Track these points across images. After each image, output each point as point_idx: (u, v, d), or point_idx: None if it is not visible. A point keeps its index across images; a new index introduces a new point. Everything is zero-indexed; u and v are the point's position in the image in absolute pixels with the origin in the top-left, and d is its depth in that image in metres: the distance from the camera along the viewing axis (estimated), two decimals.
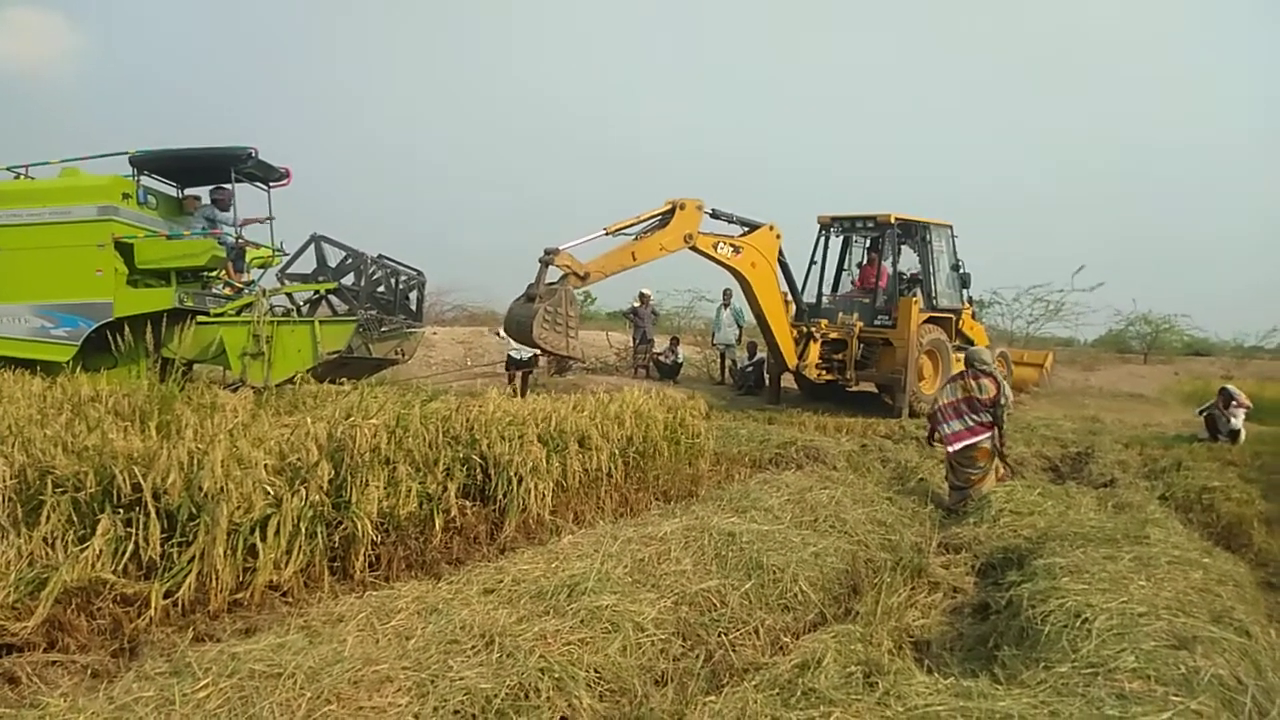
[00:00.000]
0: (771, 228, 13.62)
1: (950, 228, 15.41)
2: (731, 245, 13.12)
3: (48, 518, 4.22)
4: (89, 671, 3.65)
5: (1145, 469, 10.22)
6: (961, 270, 15.54)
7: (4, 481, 4.36)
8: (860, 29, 77.67)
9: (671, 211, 12.34)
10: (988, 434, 8.02)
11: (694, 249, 12.63)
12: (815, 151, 70.47)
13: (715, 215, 12.97)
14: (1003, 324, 26.78)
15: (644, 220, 12.31)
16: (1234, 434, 12.68)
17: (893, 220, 14.55)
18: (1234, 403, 12.78)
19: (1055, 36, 68.80)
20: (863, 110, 75.43)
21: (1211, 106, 63.33)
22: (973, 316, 16.28)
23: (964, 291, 15.78)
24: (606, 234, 11.95)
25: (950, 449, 8.01)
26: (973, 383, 8.03)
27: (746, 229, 13.45)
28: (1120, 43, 67.56)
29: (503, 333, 13.04)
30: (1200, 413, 13.68)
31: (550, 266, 11.27)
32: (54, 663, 3.68)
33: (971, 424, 7.97)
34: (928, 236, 14.97)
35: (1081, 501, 7.28)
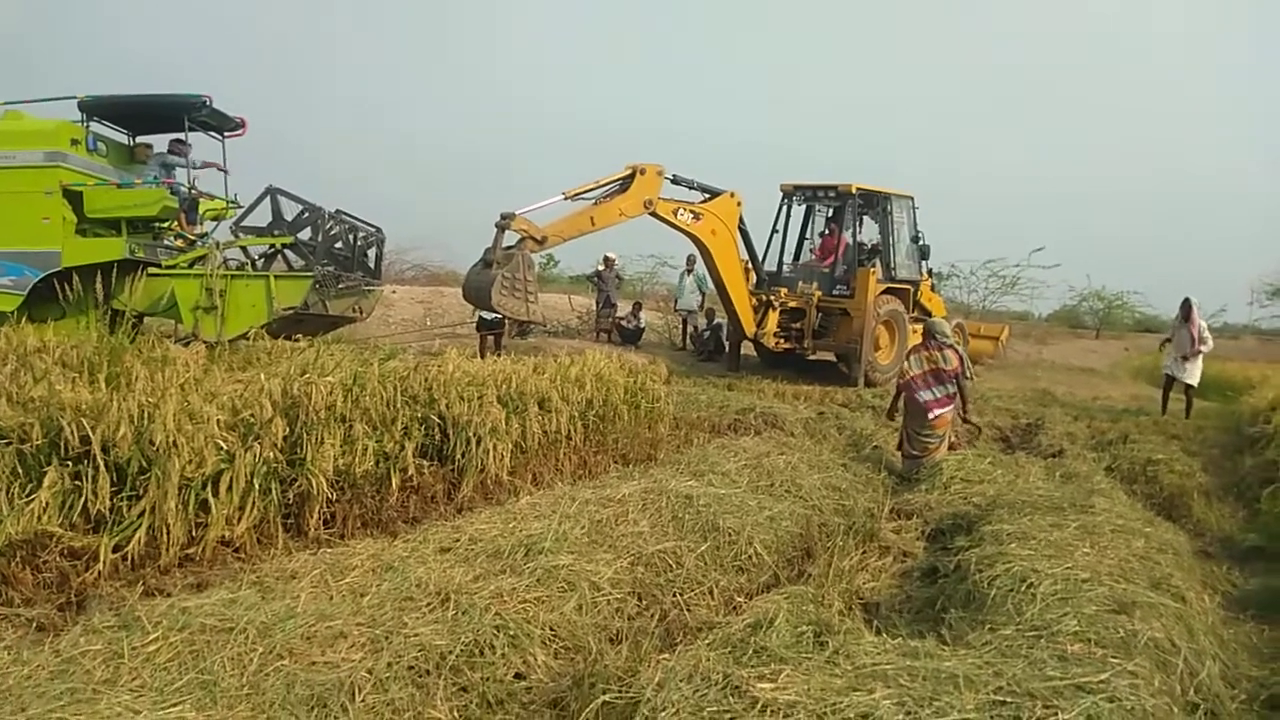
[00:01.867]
0: (732, 195, 13.52)
1: (911, 199, 15.45)
2: (692, 211, 13.01)
3: None
4: (34, 625, 3.59)
5: (1093, 441, 10.44)
6: (921, 242, 15.59)
7: None
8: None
9: (632, 176, 12.17)
10: (952, 405, 8.14)
11: (654, 215, 12.50)
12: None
13: (676, 181, 12.83)
14: (960, 296, 27.15)
15: (604, 185, 12.14)
16: (1188, 386, 12.28)
17: (854, 190, 14.54)
18: (1193, 318, 12.03)
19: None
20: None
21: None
22: (931, 289, 16.42)
23: (923, 263, 15.88)
24: (565, 198, 11.78)
25: (930, 415, 8.08)
26: (937, 354, 8.11)
27: (707, 195, 13.33)
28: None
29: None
30: (1163, 345, 13.05)
31: (507, 231, 11.14)
32: None
33: (940, 395, 8.08)
34: (889, 208, 15.02)
35: (1030, 471, 7.44)
